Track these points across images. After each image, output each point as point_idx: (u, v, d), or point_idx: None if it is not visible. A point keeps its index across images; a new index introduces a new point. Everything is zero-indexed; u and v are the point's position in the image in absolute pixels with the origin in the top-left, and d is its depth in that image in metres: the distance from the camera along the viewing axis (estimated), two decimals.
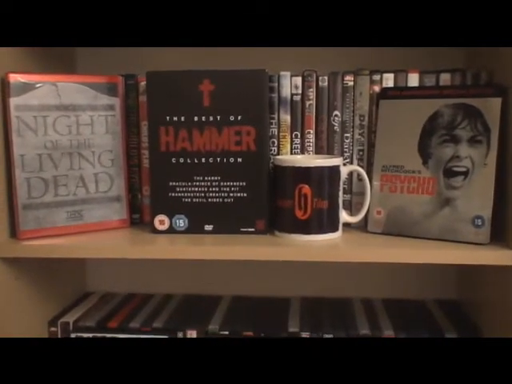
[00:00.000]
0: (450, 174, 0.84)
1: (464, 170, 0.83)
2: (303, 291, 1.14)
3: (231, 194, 0.89)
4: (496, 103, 0.81)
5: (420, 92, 0.87)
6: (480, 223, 0.81)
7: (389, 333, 0.95)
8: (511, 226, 0.80)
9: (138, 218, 0.99)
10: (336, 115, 0.92)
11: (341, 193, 0.87)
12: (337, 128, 0.92)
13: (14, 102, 0.85)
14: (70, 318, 1.02)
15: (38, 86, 0.86)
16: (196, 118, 0.88)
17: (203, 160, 0.88)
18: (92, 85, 0.91)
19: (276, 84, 0.92)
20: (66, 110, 0.89)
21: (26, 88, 0.85)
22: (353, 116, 0.92)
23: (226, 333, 0.98)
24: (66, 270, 1.09)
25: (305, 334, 0.96)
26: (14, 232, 0.89)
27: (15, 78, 0.84)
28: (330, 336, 0.95)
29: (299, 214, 0.85)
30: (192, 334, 0.98)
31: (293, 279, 1.14)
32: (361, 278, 1.13)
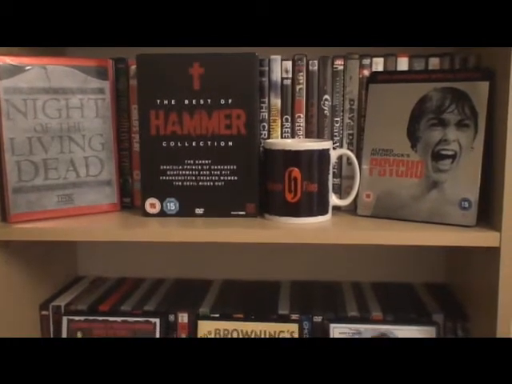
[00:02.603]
0: (437, 157, 0.85)
1: (452, 153, 0.84)
2: (293, 275, 1.15)
3: (222, 178, 0.89)
4: (483, 87, 0.81)
5: (409, 76, 0.88)
6: (467, 206, 0.82)
7: (377, 314, 0.97)
8: (497, 208, 0.81)
9: (128, 202, 0.99)
10: (326, 99, 0.92)
11: (330, 176, 0.88)
12: (327, 112, 0.93)
13: (3, 84, 0.84)
14: (62, 302, 1.02)
15: (27, 68, 0.86)
16: (186, 102, 0.88)
17: (194, 143, 0.89)
18: (82, 68, 0.91)
19: (266, 68, 0.92)
20: (56, 94, 0.89)
21: (15, 71, 0.85)
22: (343, 100, 0.93)
23: (217, 315, 0.99)
24: (57, 255, 1.10)
25: (294, 316, 0.97)
26: (4, 216, 0.89)
27: (4, 61, 0.84)
28: (320, 318, 0.97)
29: (289, 197, 0.86)
30: (183, 316, 0.99)
31: (282, 263, 1.15)
32: (350, 262, 1.14)
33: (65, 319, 0.98)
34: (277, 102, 0.93)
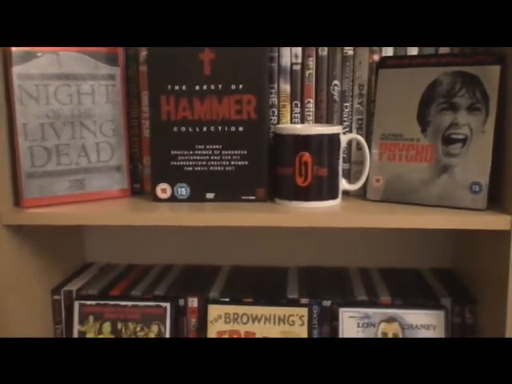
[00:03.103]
0: (448, 141, 0.85)
1: (462, 137, 0.84)
2: (300, 261, 1.16)
3: (232, 163, 0.90)
4: (495, 71, 0.82)
5: (419, 61, 0.88)
6: (477, 189, 0.83)
7: (385, 298, 0.97)
8: (508, 191, 0.81)
9: (138, 188, 1.00)
10: (335, 84, 0.93)
11: (340, 161, 0.89)
12: (336, 97, 0.93)
13: (15, 70, 0.85)
14: (73, 287, 1.03)
15: (39, 54, 0.86)
16: (197, 87, 0.88)
17: (204, 129, 0.89)
18: (92, 54, 0.91)
19: (276, 54, 0.92)
20: (67, 80, 0.89)
21: (28, 57, 0.85)
22: (352, 85, 0.93)
23: (227, 299, 0.99)
24: (66, 241, 1.10)
25: (304, 300, 0.98)
26: (17, 200, 0.89)
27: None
28: (329, 302, 0.97)
29: (300, 181, 0.86)
30: (193, 301, 1.00)
31: (290, 249, 1.16)
32: (357, 248, 1.15)
33: (76, 304, 0.99)
34: (286, 87, 0.93)
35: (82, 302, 1.00)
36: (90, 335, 0.99)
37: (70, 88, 0.89)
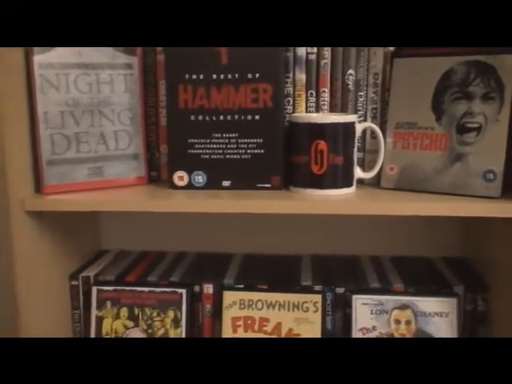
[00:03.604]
0: (462, 130, 0.86)
1: (477, 125, 0.85)
2: (313, 249, 1.18)
3: (248, 151, 0.91)
4: (510, 60, 0.82)
5: (434, 50, 0.89)
6: (492, 177, 0.84)
7: (398, 286, 0.99)
8: None
9: (155, 176, 1.01)
10: (350, 74, 0.94)
11: (355, 149, 0.90)
12: (351, 86, 0.94)
13: (37, 59, 0.86)
14: (90, 273, 1.05)
15: None
16: (214, 76, 0.90)
17: (221, 117, 0.91)
18: None
19: None
20: (87, 69, 0.91)
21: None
22: (367, 75, 0.94)
23: (241, 286, 1.01)
24: (82, 228, 1.12)
25: (317, 287, 0.99)
26: (38, 187, 0.91)
27: None
28: (342, 289, 0.99)
29: (315, 169, 0.88)
30: (208, 287, 1.02)
31: (302, 238, 1.18)
32: (368, 237, 1.16)
33: (94, 289, 1.01)
34: (302, 76, 0.94)
35: (100, 287, 1.01)
36: (107, 320, 1.01)
37: (89, 77, 0.91)
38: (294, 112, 0.95)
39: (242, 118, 0.90)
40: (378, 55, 0.93)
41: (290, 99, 0.95)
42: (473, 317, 0.97)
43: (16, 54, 0.86)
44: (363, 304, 0.96)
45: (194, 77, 0.90)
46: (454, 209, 0.82)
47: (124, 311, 1.01)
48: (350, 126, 0.88)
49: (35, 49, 0.86)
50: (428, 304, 0.95)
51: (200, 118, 0.91)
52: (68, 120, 0.90)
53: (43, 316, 0.96)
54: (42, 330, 0.95)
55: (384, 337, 0.96)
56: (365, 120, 0.95)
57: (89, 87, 0.91)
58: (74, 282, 1.04)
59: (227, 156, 0.92)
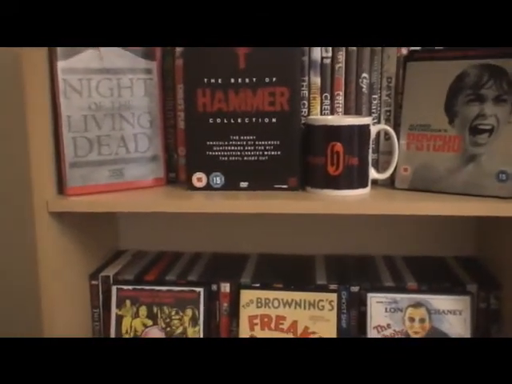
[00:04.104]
0: (475, 131, 0.88)
1: (489, 127, 0.87)
2: (326, 249, 1.20)
3: (265, 153, 0.94)
4: None
5: (446, 54, 0.91)
6: (504, 178, 0.86)
7: (412, 284, 1.01)
8: None
9: (173, 177, 1.04)
10: (364, 77, 0.96)
11: (370, 150, 0.92)
12: (365, 90, 0.96)
13: (60, 65, 0.89)
14: (110, 272, 1.07)
15: (82, 50, 0.90)
16: (232, 80, 0.92)
17: (239, 120, 0.93)
18: (131, 49, 0.95)
19: (307, 48, 0.96)
20: (108, 74, 0.93)
21: (72, 52, 0.90)
22: (380, 78, 0.96)
23: (258, 285, 1.03)
24: (102, 229, 1.15)
25: (332, 286, 1.01)
26: (61, 189, 0.94)
27: None
28: (357, 288, 1.01)
29: (331, 170, 0.90)
30: (225, 286, 1.04)
31: (317, 237, 1.20)
32: (381, 237, 1.18)
33: (114, 288, 1.04)
34: (317, 80, 0.97)
35: (119, 286, 1.04)
36: (127, 318, 1.03)
37: (110, 82, 0.93)
38: (309, 114, 0.98)
39: (260, 120, 0.93)
40: (391, 59, 0.95)
41: (305, 102, 0.97)
42: (486, 315, 0.99)
43: (40, 59, 0.88)
44: (378, 302, 0.98)
45: (213, 81, 0.92)
46: (467, 208, 0.84)
47: (143, 310, 1.03)
48: (365, 128, 0.90)
49: (59, 54, 0.88)
50: (442, 302, 0.97)
51: (218, 120, 0.93)
52: (90, 123, 0.93)
53: (64, 314, 0.98)
54: (63, 328, 0.97)
55: (398, 335, 0.98)
56: (379, 122, 0.97)
57: (110, 92, 0.94)
58: (93, 282, 1.06)
59: (245, 158, 0.94)
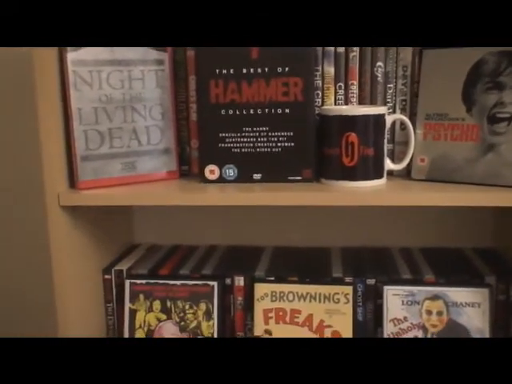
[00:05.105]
0: (493, 120, 0.86)
1: (508, 115, 0.85)
2: (342, 241, 1.18)
3: (279, 144, 0.92)
4: None
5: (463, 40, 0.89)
6: None
7: (429, 277, 0.99)
8: None
9: (186, 170, 1.02)
10: (379, 66, 0.94)
11: (385, 140, 0.90)
12: (380, 79, 0.94)
13: (70, 56, 0.88)
14: (123, 267, 1.07)
15: None
16: (244, 71, 0.91)
17: (252, 111, 0.92)
18: None
19: None
20: (119, 65, 0.92)
21: None
22: (396, 67, 0.94)
23: (272, 278, 1.02)
24: (115, 223, 1.14)
25: (348, 279, 1.00)
26: (72, 182, 0.93)
27: None
28: (373, 280, 0.99)
29: (346, 161, 0.88)
30: (240, 280, 1.03)
31: (332, 229, 1.18)
32: (398, 228, 1.16)
33: (127, 282, 1.03)
34: (330, 69, 0.95)
35: (133, 280, 1.03)
36: (140, 313, 1.02)
37: (121, 73, 0.92)
38: (322, 105, 0.96)
39: (273, 111, 0.91)
40: (406, 48, 0.93)
41: (319, 92, 0.96)
42: (505, 307, 0.97)
43: (50, 51, 0.87)
44: (394, 295, 0.97)
45: (225, 72, 0.91)
46: (486, 199, 0.82)
47: (157, 304, 1.02)
48: (380, 118, 0.88)
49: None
50: (460, 294, 0.95)
51: (231, 112, 0.92)
52: (101, 116, 0.92)
53: (78, 309, 0.98)
54: (77, 323, 0.97)
55: (415, 328, 0.96)
56: (394, 112, 0.95)
57: (121, 83, 0.93)
58: (107, 276, 1.06)
59: (258, 149, 0.93)
